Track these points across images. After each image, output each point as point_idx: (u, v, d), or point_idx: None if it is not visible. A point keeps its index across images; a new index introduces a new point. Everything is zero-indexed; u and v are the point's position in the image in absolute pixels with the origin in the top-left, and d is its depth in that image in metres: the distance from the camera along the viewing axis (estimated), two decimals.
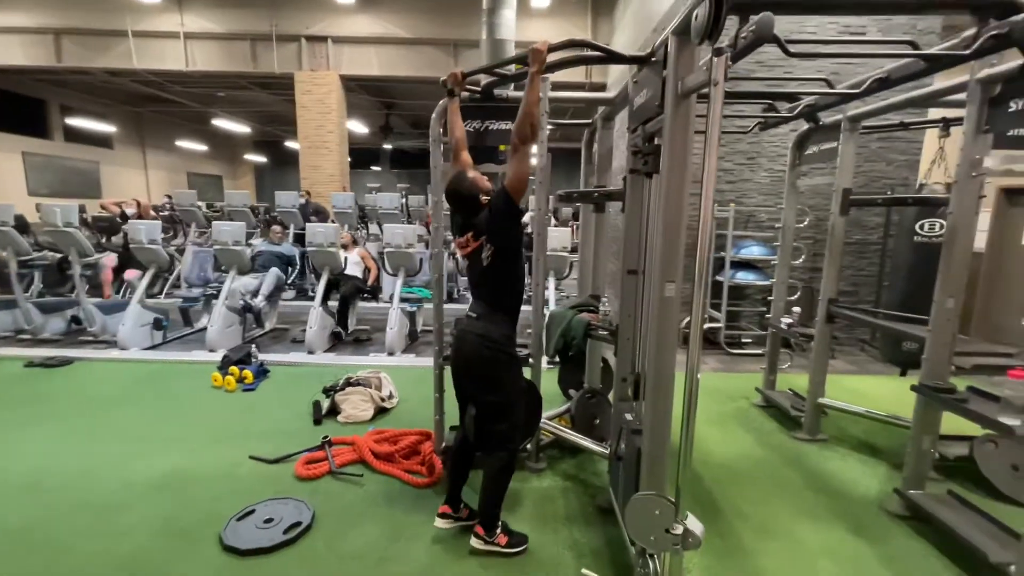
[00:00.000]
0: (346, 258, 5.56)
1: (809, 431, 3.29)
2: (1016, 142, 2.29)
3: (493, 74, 2.27)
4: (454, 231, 2.15)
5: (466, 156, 2.22)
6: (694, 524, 1.56)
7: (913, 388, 2.40)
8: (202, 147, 17.47)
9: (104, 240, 7.21)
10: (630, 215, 2.19)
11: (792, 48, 1.88)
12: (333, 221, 7.95)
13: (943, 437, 2.87)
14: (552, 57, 1.95)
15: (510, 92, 2.53)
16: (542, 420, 2.86)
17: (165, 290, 7.00)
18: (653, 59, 1.78)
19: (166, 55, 9.89)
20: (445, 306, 6.74)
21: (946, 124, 3.09)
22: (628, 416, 2.11)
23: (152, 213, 7.88)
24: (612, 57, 1.89)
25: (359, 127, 14.79)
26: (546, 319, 2.89)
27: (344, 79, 10.29)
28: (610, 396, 3.18)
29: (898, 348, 3.39)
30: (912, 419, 2.46)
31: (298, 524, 2.24)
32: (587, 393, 3.12)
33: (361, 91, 12.23)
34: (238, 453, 2.91)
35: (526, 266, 2.14)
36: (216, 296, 5.62)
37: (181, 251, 7.47)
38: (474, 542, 2.09)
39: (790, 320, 3.61)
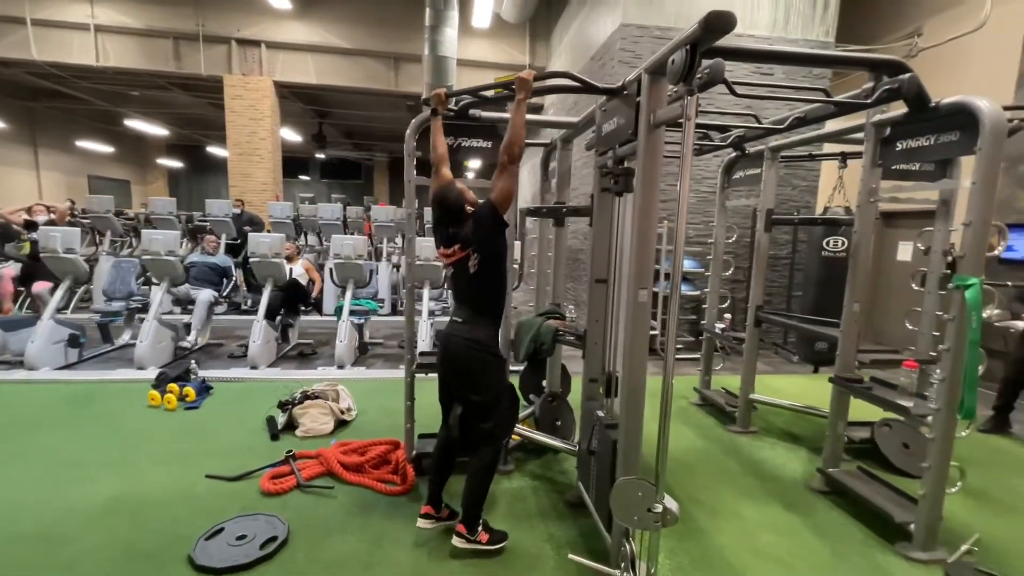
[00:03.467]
0: (291, 269, 5.39)
1: (742, 424, 3.68)
2: (899, 175, 2.80)
3: (474, 95, 2.41)
4: (439, 242, 2.24)
5: (446, 172, 2.32)
6: (671, 503, 1.76)
7: (830, 380, 2.81)
8: (108, 148, 15.90)
9: None
10: (599, 229, 2.41)
11: (728, 92, 2.21)
12: (270, 231, 7.62)
13: (850, 423, 3.36)
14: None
15: (482, 113, 2.68)
16: None
17: (74, 304, 6.33)
18: (625, 92, 2.02)
19: (72, 47, 9.03)
20: (389, 318, 6.71)
21: (844, 158, 3.64)
22: (600, 413, 2.30)
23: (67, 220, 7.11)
24: (588, 88, 2.11)
25: (291, 135, 14.25)
26: (515, 326, 3.04)
27: (278, 85, 9.94)
28: (568, 399, 3.39)
29: (811, 348, 3.90)
30: (829, 407, 2.87)
31: (274, 539, 2.19)
32: (549, 397, 3.30)
33: (294, 99, 11.85)
34: (191, 473, 2.77)
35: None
36: (141, 310, 5.23)
37: (90, 261, 6.82)
38: (456, 541, 2.14)
39: (723, 325, 4.03)
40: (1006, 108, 2.14)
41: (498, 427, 2.21)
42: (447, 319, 2.31)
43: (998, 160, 2.05)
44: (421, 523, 2.25)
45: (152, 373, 4.14)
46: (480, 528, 2.18)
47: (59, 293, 4.77)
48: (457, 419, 2.20)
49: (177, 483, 2.66)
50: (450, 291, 2.32)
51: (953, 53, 5.86)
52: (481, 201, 2.15)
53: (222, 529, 2.25)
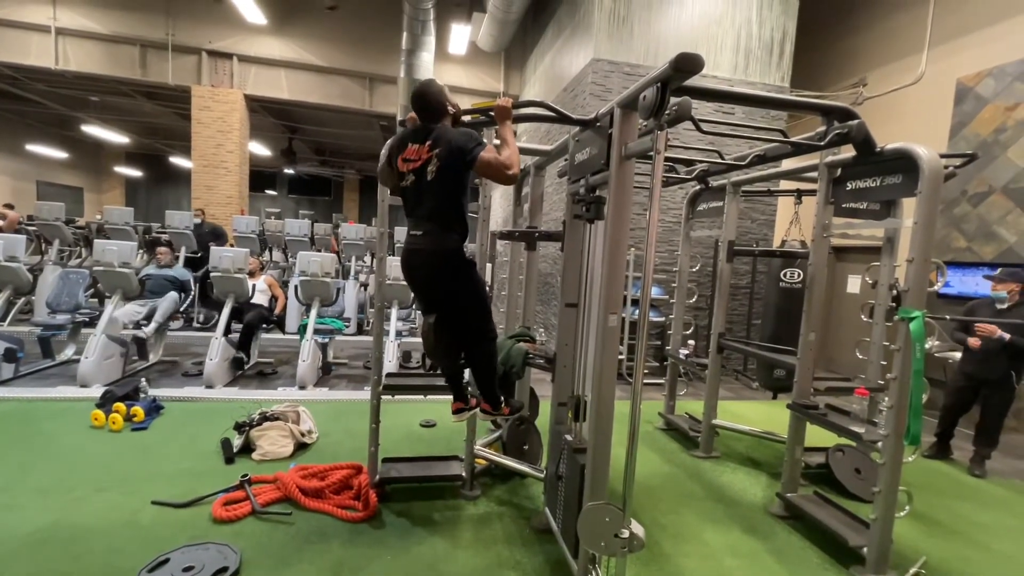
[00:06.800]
0: (253, 286, 5.22)
1: (705, 449, 3.75)
2: (849, 212, 2.99)
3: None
4: (404, 144, 2.15)
5: None
6: (637, 528, 1.77)
7: (788, 406, 2.91)
8: (61, 154, 15.17)
9: None
10: (569, 255, 2.45)
11: (694, 128, 2.33)
12: (232, 245, 7.40)
13: (806, 449, 3.48)
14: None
15: None
16: (477, 447, 2.96)
17: (12, 315, 5.92)
18: (598, 124, 2.10)
19: (30, 49, 8.67)
20: (354, 338, 6.57)
21: (799, 194, 3.86)
22: (568, 437, 2.31)
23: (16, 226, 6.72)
24: (562, 118, 2.18)
25: (260, 149, 14.00)
26: None
27: (248, 99, 9.79)
28: (536, 423, 3.38)
29: (770, 375, 4.03)
30: (787, 433, 2.96)
31: (224, 569, 2.07)
32: (517, 420, 3.27)
33: (264, 113, 11.70)
34: (136, 499, 2.60)
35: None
36: (88, 323, 4.95)
37: (34, 271, 6.43)
38: (483, 416, 2.52)
39: (687, 351, 4.13)
40: (942, 156, 2.33)
41: (487, 321, 2.31)
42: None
43: (936, 202, 2.23)
44: (455, 418, 2.46)
45: (97, 391, 3.89)
46: (502, 405, 2.51)
47: None
48: (431, 327, 2.23)
49: (119, 510, 2.49)
50: (406, 210, 2.20)
51: (894, 103, 6.36)
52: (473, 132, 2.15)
53: (167, 560, 2.11)
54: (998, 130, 5.01)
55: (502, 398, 2.46)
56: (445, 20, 9.09)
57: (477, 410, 2.46)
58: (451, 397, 2.52)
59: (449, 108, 2.16)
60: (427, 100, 2.13)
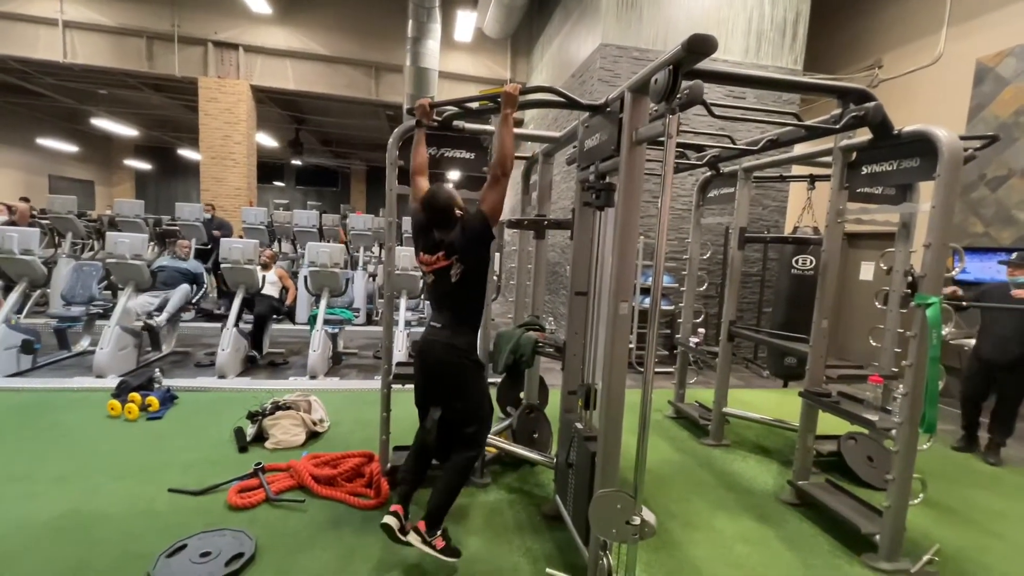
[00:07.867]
0: (264, 277, 5.26)
1: (715, 437, 3.74)
2: (864, 197, 2.93)
3: (459, 107, 2.42)
4: (420, 248, 2.23)
5: (424, 183, 2.33)
6: (648, 515, 1.77)
7: (800, 394, 2.88)
8: (71, 148, 15.30)
9: None
10: (579, 242, 2.43)
11: (705, 113, 2.29)
12: (241, 237, 7.43)
13: (818, 437, 3.46)
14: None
15: (466, 124, 2.69)
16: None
17: (28, 308, 6.01)
18: (607, 109, 2.06)
19: (38, 42, 8.72)
20: (364, 328, 6.61)
21: (812, 180, 3.79)
22: (578, 425, 2.31)
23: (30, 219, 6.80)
24: (571, 103, 2.14)
25: (267, 140, 14.02)
26: (494, 337, 3.03)
27: (255, 89, 9.78)
28: (546, 411, 3.38)
29: (781, 363, 4.00)
30: (799, 421, 2.94)
31: (240, 555, 2.11)
32: (527, 409, 3.28)
33: (271, 103, 11.68)
34: (152, 488, 2.64)
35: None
36: (102, 315, 5.02)
37: (48, 264, 6.51)
38: (412, 538, 2.03)
39: (697, 340, 4.10)
40: (961, 138, 2.27)
41: (481, 430, 2.24)
42: (423, 329, 2.30)
43: (956, 186, 2.17)
44: (387, 519, 2.04)
45: (112, 381, 3.95)
46: (439, 533, 2.09)
47: (13, 296, 4.54)
48: (435, 423, 2.18)
49: (136, 498, 2.54)
50: (428, 298, 2.28)
51: (910, 85, 6.21)
52: (470, 209, 2.16)
53: (185, 546, 2.15)
54: (1018, 112, 4.88)
55: (443, 528, 2.13)
56: (451, 7, 8.99)
57: (402, 536, 2.03)
58: None
59: (456, 212, 2.16)
60: (437, 205, 2.13)
